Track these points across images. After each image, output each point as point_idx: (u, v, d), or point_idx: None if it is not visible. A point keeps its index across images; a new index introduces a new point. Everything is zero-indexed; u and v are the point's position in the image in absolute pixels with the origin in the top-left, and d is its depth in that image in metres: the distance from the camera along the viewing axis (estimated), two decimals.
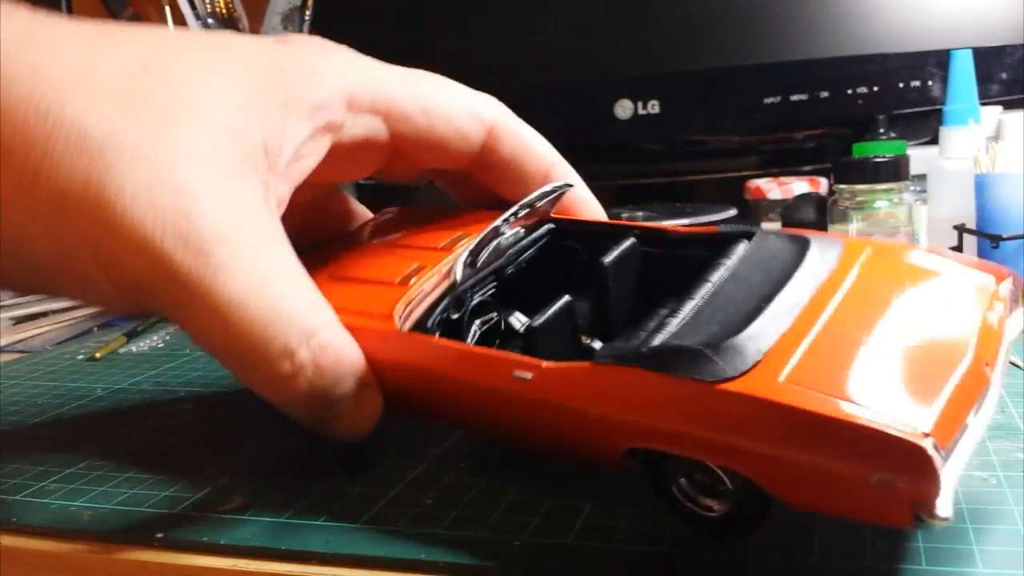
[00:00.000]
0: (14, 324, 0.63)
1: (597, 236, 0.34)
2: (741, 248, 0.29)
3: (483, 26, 0.80)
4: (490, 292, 0.33)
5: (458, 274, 0.30)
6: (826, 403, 0.21)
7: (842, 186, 0.61)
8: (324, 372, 0.29)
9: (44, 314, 0.65)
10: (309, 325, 0.28)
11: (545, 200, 0.34)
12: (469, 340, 0.31)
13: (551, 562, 0.25)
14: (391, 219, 0.39)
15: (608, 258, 0.32)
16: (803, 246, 0.28)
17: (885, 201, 0.60)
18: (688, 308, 0.26)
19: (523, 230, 0.34)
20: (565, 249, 0.35)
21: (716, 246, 0.30)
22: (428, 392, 0.29)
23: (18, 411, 0.43)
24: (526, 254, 0.35)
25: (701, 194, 0.94)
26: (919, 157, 0.65)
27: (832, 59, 0.71)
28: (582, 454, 0.27)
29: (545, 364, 0.26)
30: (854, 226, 0.60)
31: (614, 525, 0.26)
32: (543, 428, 0.27)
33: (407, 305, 0.30)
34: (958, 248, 0.56)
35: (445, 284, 0.30)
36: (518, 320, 0.34)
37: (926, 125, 0.70)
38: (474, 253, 0.31)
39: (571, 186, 0.36)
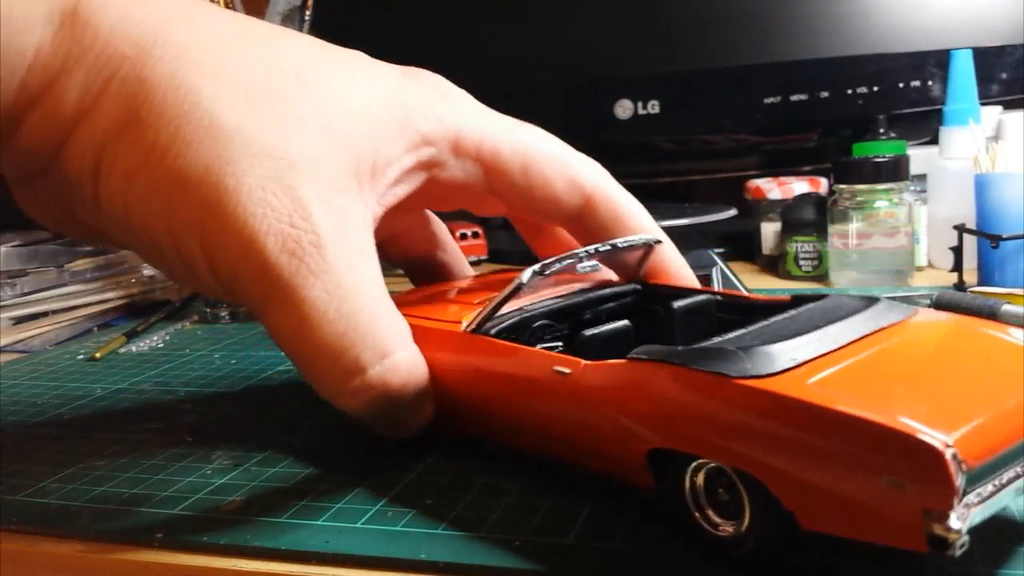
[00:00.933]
0: (14, 324, 0.63)
1: (681, 296, 0.34)
2: (809, 304, 0.29)
3: (484, 26, 0.80)
4: (561, 331, 0.33)
5: (525, 276, 0.31)
6: (847, 402, 0.21)
7: (842, 186, 0.61)
8: (390, 393, 0.30)
9: (44, 314, 0.65)
10: (384, 344, 0.29)
11: (630, 246, 0.35)
12: None
13: (551, 562, 0.25)
14: (495, 277, 0.41)
15: (679, 303, 0.33)
16: (870, 302, 0.28)
17: (885, 201, 0.60)
18: (735, 333, 0.27)
19: (601, 267, 0.36)
20: (648, 312, 0.35)
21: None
22: (473, 386, 0.31)
23: (18, 411, 0.43)
24: (606, 305, 0.35)
25: (701, 194, 0.94)
26: (919, 157, 0.65)
27: (832, 59, 0.71)
28: (608, 457, 0.27)
29: (583, 362, 0.27)
30: (854, 226, 0.60)
31: (614, 525, 0.26)
32: (574, 426, 0.27)
33: (474, 315, 0.31)
34: (958, 248, 0.56)
35: (509, 288, 0.31)
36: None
37: (926, 125, 0.70)
38: (546, 265, 0.31)
39: (659, 242, 0.36)
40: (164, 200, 0.28)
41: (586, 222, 0.36)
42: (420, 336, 0.31)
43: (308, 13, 0.86)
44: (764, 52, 0.73)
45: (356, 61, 0.33)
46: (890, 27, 0.70)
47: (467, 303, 0.34)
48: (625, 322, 0.31)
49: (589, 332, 0.29)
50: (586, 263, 0.33)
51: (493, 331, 0.31)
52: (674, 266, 0.37)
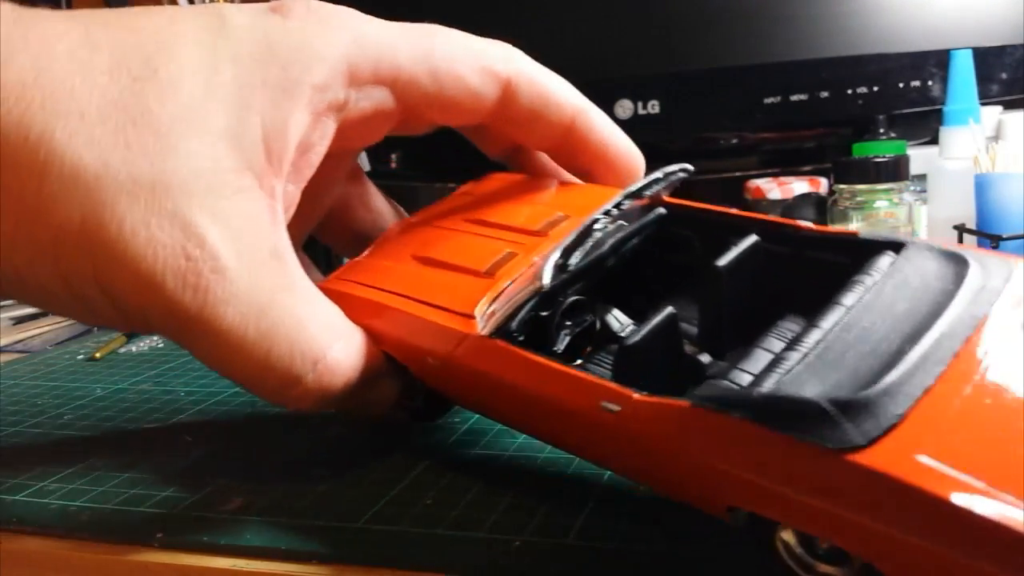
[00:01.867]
0: (14, 324, 0.63)
1: (715, 225, 0.30)
2: (885, 263, 0.24)
3: (482, 26, 0.80)
4: (587, 287, 0.29)
5: (547, 278, 0.27)
6: (976, 495, 0.17)
7: (842, 186, 0.61)
8: (335, 390, 0.29)
9: (44, 314, 0.64)
10: (312, 350, 0.28)
11: (654, 189, 0.30)
12: (559, 345, 0.29)
13: (551, 562, 0.25)
14: (488, 187, 0.36)
15: (723, 261, 0.27)
16: (962, 268, 0.23)
17: (885, 201, 0.60)
18: (812, 341, 0.22)
19: (625, 222, 0.30)
20: (678, 237, 0.31)
21: (856, 253, 0.26)
22: (507, 403, 0.27)
23: (18, 411, 0.43)
24: (631, 243, 0.30)
25: (701, 194, 0.94)
26: (919, 157, 0.65)
27: (832, 59, 0.71)
28: (681, 495, 0.23)
29: (636, 396, 0.22)
30: (854, 226, 0.60)
31: (614, 525, 0.26)
32: (633, 464, 0.24)
33: (491, 302, 0.27)
34: None
35: (532, 287, 0.27)
36: (616, 320, 0.30)
37: (926, 125, 0.70)
38: (566, 254, 0.27)
39: (689, 171, 0.32)
40: (51, 262, 0.26)
41: (509, 110, 0.33)
42: (418, 328, 0.28)
43: None
44: (764, 52, 0.73)
45: (217, 22, 0.29)
46: (890, 27, 0.70)
47: (465, 271, 0.29)
48: (669, 310, 0.26)
49: (631, 339, 0.24)
50: (609, 227, 0.29)
51: (515, 325, 0.27)
52: (606, 138, 0.34)
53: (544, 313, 0.27)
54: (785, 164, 0.81)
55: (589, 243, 0.28)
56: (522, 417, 0.27)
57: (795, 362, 0.21)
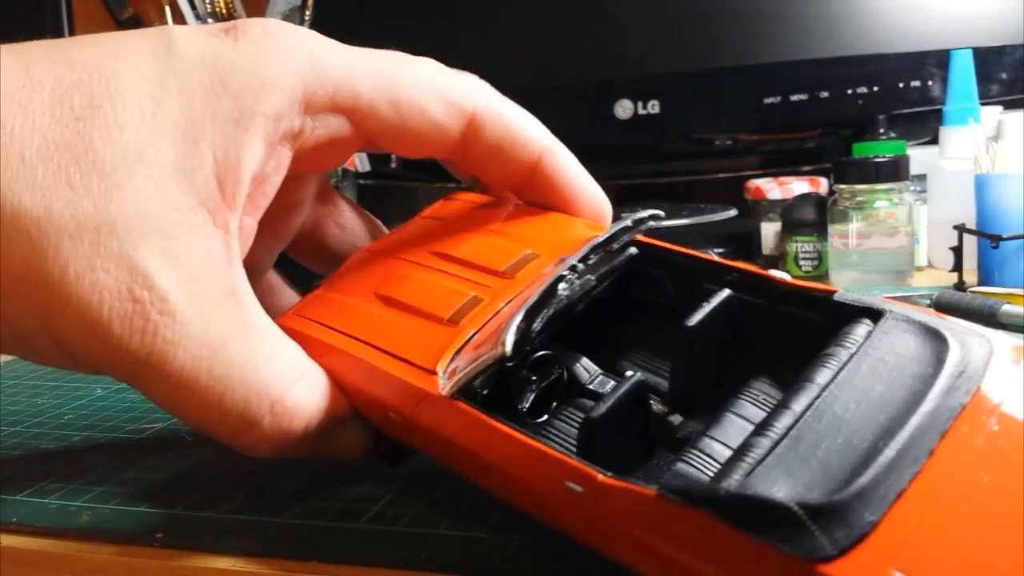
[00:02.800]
0: None
1: (688, 270, 0.29)
2: (861, 335, 0.23)
3: (483, 26, 0.80)
4: (553, 334, 0.28)
5: (508, 346, 0.25)
6: None
7: (842, 186, 0.61)
8: (294, 434, 0.27)
9: None
10: (268, 393, 0.27)
11: (622, 239, 0.29)
12: (524, 403, 0.28)
13: (551, 562, 0.25)
14: (453, 210, 0.34)
15: (694, 320, 0.26)
16: (941, 348, 0.22)
17: (885, 201, 0.60)
18: (782, 426, 0.21)
19: (591, 277, 0.29)
20: (650, 277, 0.30)
21: (831, 314, 0.25)
22: (470, 468, 0.26)
23: (18, 411, 0.43)
24: (601, 287, 0.29)
25: (701, 194, 0.94)
26: (919, 157, 0.65)
27: (832, 59, 0.71)
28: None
29: (601, 478, 0.21)
30: (854, 226, 0.60)
31: None
32: (598, 542, 0.23)
33: (453, 357, 0.26)
34: (958, 248, 0.56)
35: (494, 352, 0.25)
36: (585, 371, 0.29)
37: (926, 125, 0.70)
38: (529, 316, 0.26)
39: (660, 217, 0.30)
40: None
41: (475, 147, 0.32)
42: (380, 380, 0.27)
43: (308, 13, 0.86)
44: (764, 52, 0.73)
45: (164, 50, 0.27)
46: (890, 27, 0.70)
47: (436, 317, 0.28)
48: (636, 378, 0.25)
49: (595, 413, 0.24)
50: (575, 283, 0.28)
51: (478, 383, 0.25)
52: (572, 180, 0.33)
53: (509, 364, 0.26)
54: (785, 164, 0.81)
55: (553, 303, 0.27)
56: (488, 482, 0.26)
57: (765, 450, 0.20)
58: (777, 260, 0.69)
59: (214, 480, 0.32)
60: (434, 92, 0.30)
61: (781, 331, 0.26)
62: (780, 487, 0.19)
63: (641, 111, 0.76)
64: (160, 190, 0.26)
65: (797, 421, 0.21)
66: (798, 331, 0.25)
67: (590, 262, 0.28)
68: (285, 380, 0.27)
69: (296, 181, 0.31)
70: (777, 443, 0.20)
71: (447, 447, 0.26)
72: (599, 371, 0.29)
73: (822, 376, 0.22)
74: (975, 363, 0.21)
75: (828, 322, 0.24)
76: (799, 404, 0.21)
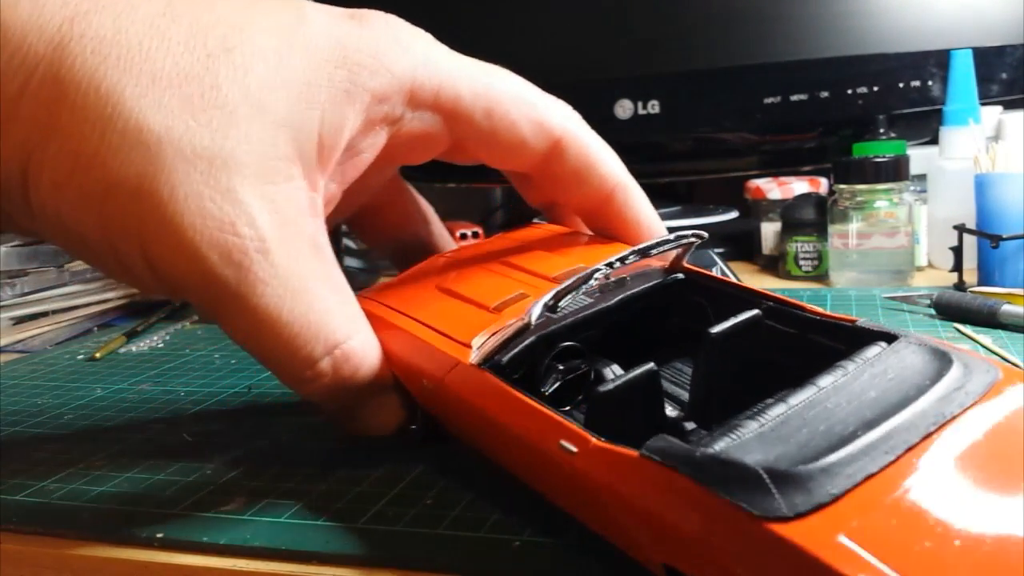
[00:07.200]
0: (14, 324, 0.63)
1: (728, 297, 0.31)
2: (872, 353, 0.24)
3: (483, 26, 0.80)
4: (591, 339, 0.30)
5: (532, 316, 0.27)
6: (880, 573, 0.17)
7: (842, 186, 0.61)
8: (342, 380, 0.30)
9: (44, 314, 0.64)
10: (334, 336, 0.29)
11: (662, 249, 0.31)
12: (546, 387, 0.29)
13: (550, 562, 0.25)
14: (529, 234, 0.37)
15: (718, 329, 0.28)
16: (944, 366, 0.23)
17: (885, 201, 0.60)
18: (773, 414, 0.22)
19: (629, 277, 0.32)
20: (692, 305, 0.31)
21: (852, 341, 0.26)
22: (482, 432, 0.28)
23: (18, 411, 0.43)
24: (642, 302, 0.31)
25: (701, 194, 0.94)
26: (919, 157, 0.65)
27: (832, 59, 0.71)
28: (624, 546, 0.24)
29: (594, 441, 0.23)
30: (854, 226, 0.60)
31: None
32: (584, 506, 0.24)
33: (489, 336, 0.28)
34: (958, 248, 0.56)
35: (519, 323, 0.28)
36: (611, 372, 0.30)
37: (926, 125, 0.70)
38: (558, 297, 0.28)
39: (703, 237, 0.32)
40: (97, 211, 0.27)
41: (554, 168, 0.34)
42: (422, 351, 0.29)
43: None
44: (764, 52, 0.73)
45: (294, 18, 0.30)
46: (890, 27, 0.70)
47: (477, 304, 0.31)
48: (649, 366, 0.26)
49: (604, 387, 0.25)
50: (610, 278, 0.30)
51: (506, 360, 0.28)
52: (640, 216, 0.35)
53: (534, 342, 0.28)
54: (785, 164, 0.81)
55: (583, 289, 0.29)
56: (495, 448, 0.28)
57: (750, 431, 0.21)
58: (777, 260, 0.69)
59: (214, 480, 0.32)
60: (527, 110, 0.33)
61: (805, 356, 0.27)
62: (753, 456, 0.20)
63: (641, 111, 0.76)
64: (270, 137, 0.28)
65: (788, 411, 0.22)
66: (821, 357, 0.26)
67: (628, 261, 0.30)
68: (348, 329, 0.29)
69: (374, 167, 0.32)
70: (763, 425, 0.21)
71: (466, 411, 0.28)
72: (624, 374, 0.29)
73: (825, 380, 0.23)
74: (976, 384, 0.22)
75: (848, 349, 0.25)
76: (795, 399, 0.22)
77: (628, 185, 0.35)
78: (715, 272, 0.33)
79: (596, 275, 0.29)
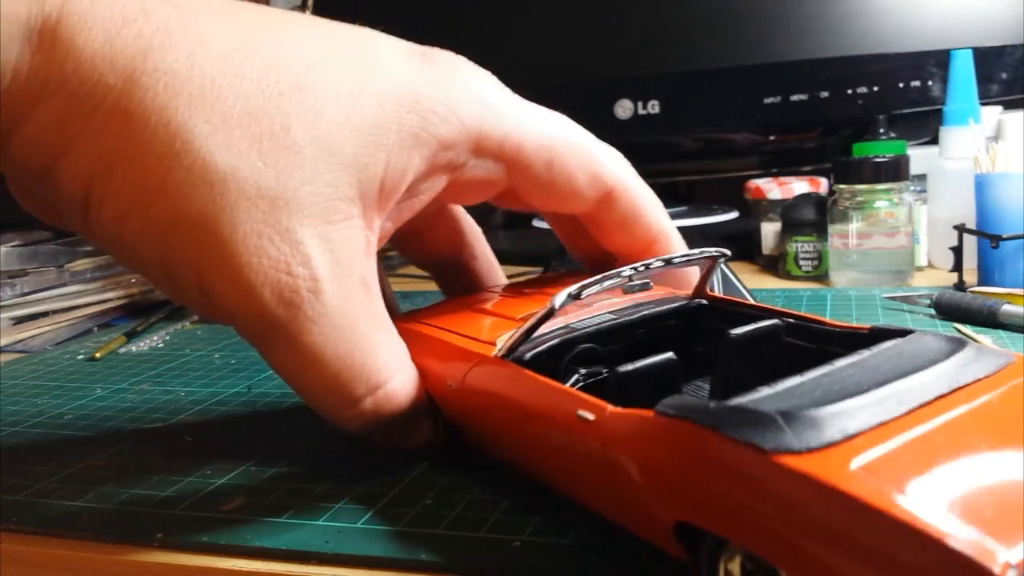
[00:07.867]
0: (14, 324, 0.63)
1: (751, 319, 0.31)
2: (888, 343, 0.25)
3: (483, 26, 0.80)
4: (613, 353, 0.31)
5: (557, 302, 0.28)
6: (890, 497, 0.17)
7: (842, 186, 0.61)
8: (384, 418, 0.30)
9: (44, 314, 0.64)
10: (376, 377, 0.29)
11: (685, 259, 0.32)
12: (565, 384, 0.29)
13: (551, 562, 0.25)
14: (576, 275, 0.38)
15: (738, 331, 0.29)
16: (956, 347, 0.24)
17: (885, 201, 0.60)
18: (790, 381, 0.22)
19: (658, 300, 0.33)
20: (714, 331, 0.32)
21: (871, 344, 0.26)
22: (499, 422, 0.29)
23: (18, 411, 0.43)
24: (666, 323, 0.32)
25: (701, 194, 0.94)
26: (919, 157, 0.65)
27: (832, 59, 0.71)
28: (635, 518, 0.24)
29: (610, 408, 0.24)
30: (854, 226, 0.60)
31: (614, 525, 0.26)
32: (599, 480, 0.24)
33: (511, 335, 0.29)
34: (958, 248, 0.56)
35: (543, 311, 0.28)
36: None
37: (926, 125, 0.70)
38: (583, 287, 0.28)
39: (727, 255, 0.33)
40: (157, 241, 0.27)
41: (602, 215, 0.35)
42: (449, 354, 0.30)
43: (307, 12, 0.86)
44: (764, 52, 0.73)
45: (367, 59, 0.30)
46: (890, 27, 0.70)
47: (506, 317, 0.32)
48: (669, 355, 0.27)
49: (624, 368, 0.26)
50: (635, 281, 0.31)
51: (528, 356, 0.29)
52: (656, 228, 0.36)
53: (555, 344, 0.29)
54: (785, 164, 0.81)
55: (606, 285, 0.29)
56: (512, 436, 0.28)
57: (764, 394, 0.22)
58: (777, 260, 0.69)
59: (214, 480, 0.32)
60: (585, 162, 0.33)
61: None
62: (767, 407, 0.20)
63: (641, 111, 0.76)
64: (335, 178, 0.28)
65: (803, 381, 0.22)
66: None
67: (653, 268, 0.30)
68: (391, 369, 0.30)
69: (430, 204, 0.33)
70: (777, 389, 0.22)
71: (486, 402, 0.29)
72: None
73: (842, 361, 0.24)
74: (989, 363, 0.23)
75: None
76: (811, 374, 0.23)
77: (670, 234, 0.36)
78: (717, 276, 0.33)
79: (621, 274, 0.29)
